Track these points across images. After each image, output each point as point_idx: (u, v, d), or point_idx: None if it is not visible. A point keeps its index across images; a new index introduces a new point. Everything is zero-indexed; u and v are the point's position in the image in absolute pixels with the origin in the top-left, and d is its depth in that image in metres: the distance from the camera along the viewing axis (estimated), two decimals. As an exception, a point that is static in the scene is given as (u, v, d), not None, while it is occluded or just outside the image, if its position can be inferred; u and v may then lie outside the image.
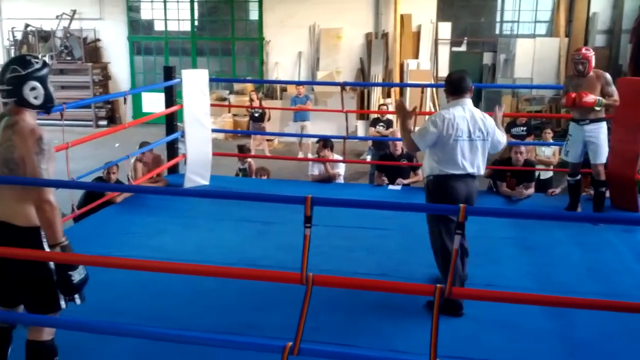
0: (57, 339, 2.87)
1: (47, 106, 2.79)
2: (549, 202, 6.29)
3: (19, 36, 16.40)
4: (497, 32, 15.12)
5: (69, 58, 16.02)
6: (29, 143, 2.58)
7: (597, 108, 5.45)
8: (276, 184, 7.33)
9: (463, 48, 14.98)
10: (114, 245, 4.88)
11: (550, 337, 3.62)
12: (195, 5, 16.07)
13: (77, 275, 2.66)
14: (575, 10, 14.00)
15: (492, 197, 6.42)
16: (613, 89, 5.51)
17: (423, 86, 8.52)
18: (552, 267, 4.73)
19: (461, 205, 2.26)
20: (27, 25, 16.21)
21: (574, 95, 5.44)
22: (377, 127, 10.20)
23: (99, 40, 16.25)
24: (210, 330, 3.39)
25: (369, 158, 10.27)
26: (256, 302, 3.90)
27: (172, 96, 6.94)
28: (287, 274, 2.52)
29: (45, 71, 2.77)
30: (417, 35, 14.61)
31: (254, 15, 15.74)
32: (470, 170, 3.84)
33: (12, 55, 16.38)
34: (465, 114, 3.82)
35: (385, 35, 14.71)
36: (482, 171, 3.97)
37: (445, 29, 14.69)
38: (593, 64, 5.54)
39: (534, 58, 13.91)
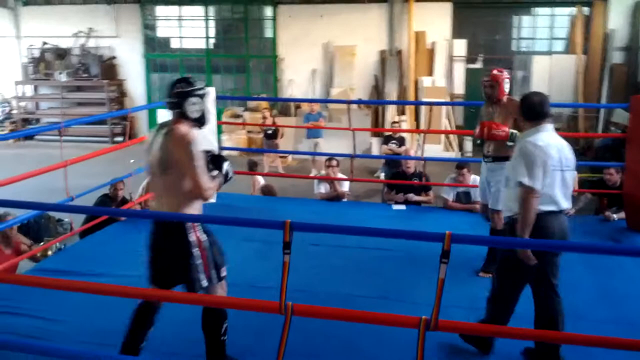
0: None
1: (201, 121, 3.19)
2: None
3: (36, 54, 16.63)
4: (514, 49, 14.96)
5: (85, 75, 16.19)
6: (182, 148, 2.98)
7: (509, 143, 4.53)
8: (282, 202, 7.23)
9: (479, 65, 14.82)
10: (116, 264, 4.83)
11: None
12: (211, 23, 16.16)
13: None
14: (592, 27, 13.81)
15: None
16: None
17: (439, 104, 8.38)
18: (563, 290, 4.54)
19: (447, 233, 2.12)
20: (44, 43, 16.42)
21: (486, 124, 4.64)
22: (390, 144, 10.10)
23: (114, 57, 16.39)
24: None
25: (382, 175, 10.15)
26: (255, 326, 3.79)
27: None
28: (266, 303, 2.40)
29: (203, 91, 3.19)
30: (432, 52, 14.52)
31: (268, 33, 15.78)
32: (564, 205, 3.40)
33: (30, 72, 16.64)
34: (552, 140, 3.38)
35: (399, 53, 14.63)
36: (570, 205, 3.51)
37: (461, 46, 14.57)
38: (506, 88, 4.71)
39: (550, 75, 13.71)
